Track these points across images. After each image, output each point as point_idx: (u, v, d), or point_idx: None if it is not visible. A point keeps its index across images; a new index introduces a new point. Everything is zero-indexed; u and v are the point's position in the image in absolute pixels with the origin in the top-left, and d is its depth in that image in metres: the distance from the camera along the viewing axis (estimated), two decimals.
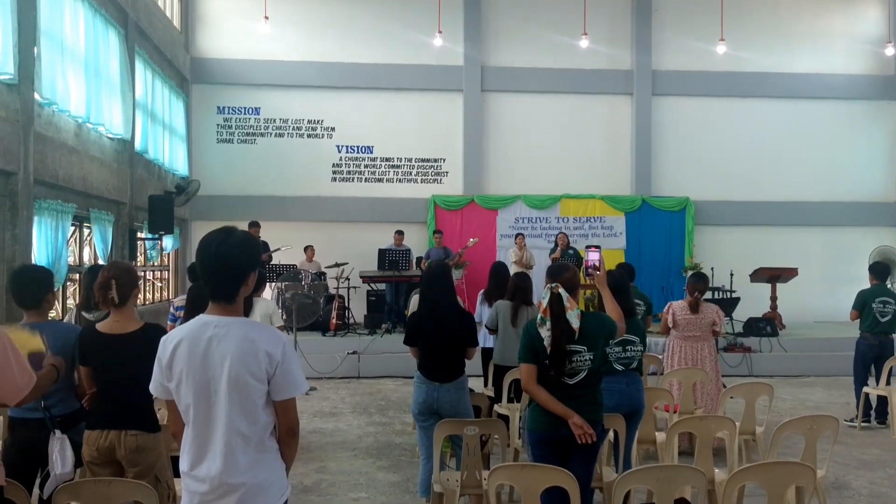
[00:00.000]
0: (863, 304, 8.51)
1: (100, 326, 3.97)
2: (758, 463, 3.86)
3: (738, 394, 6.11)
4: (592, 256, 4.58)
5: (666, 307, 7.26)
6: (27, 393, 3.14)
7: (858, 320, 8.63)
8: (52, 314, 9.64)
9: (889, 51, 15.68)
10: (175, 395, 2.77)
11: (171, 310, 6.65)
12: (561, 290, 4.16)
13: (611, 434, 5.07)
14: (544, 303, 4.19)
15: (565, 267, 4.45)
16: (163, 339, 2.82)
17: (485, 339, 7.11)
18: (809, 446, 4.72)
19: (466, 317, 5.33)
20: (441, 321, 5.14)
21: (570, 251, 13.42)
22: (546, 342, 4.10)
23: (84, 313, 5.11)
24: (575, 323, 4.09)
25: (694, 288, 7.09)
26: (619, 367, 5.20)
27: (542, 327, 4.14)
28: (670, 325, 7.12)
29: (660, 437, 5.82)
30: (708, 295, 12.65)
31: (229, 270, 2.76)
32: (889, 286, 9.31)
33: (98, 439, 3.87)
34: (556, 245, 13.74)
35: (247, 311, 7.28)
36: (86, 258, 10.98)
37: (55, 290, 4.34)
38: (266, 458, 2.77)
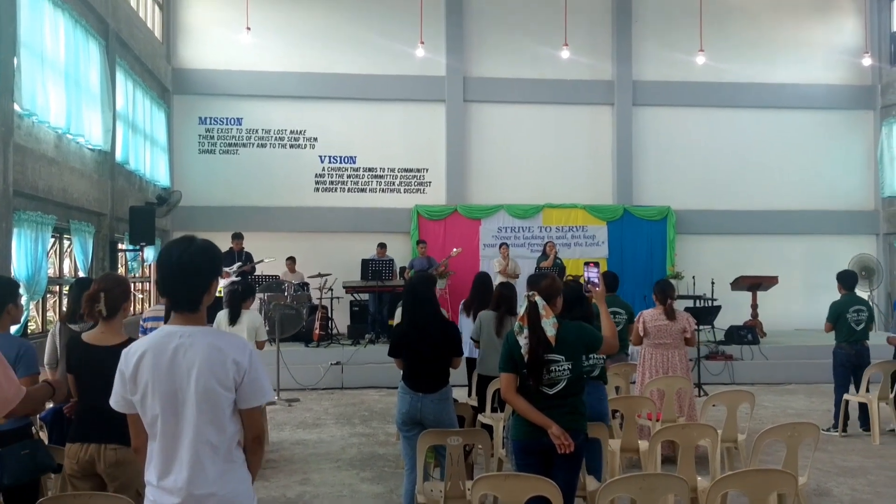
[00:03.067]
0: (837, 316, 8.59)
1: (85, 336, 3.95)
2: (740, 470, 3.88)
3: (719, 401, 6.15)
4: (591, 273, 4.61)
5: (637, 316, 7.32)
6: (16, 405, 3.08)
7: (833, 332, 8.71)
8: (32, 327, 9.55)
9: (866, 61, 15.88)
10: (140, 407, 2.73)
11: (141, 323, 6.46)
12: (537, 299, 4.19)
13: None
14: (521, 311, 4.22)
15: (544, 275, 4.49)
16: (125, 351, 2.79)
17: (470, 349, 7.12)
18: (791, 453, 4.76)
19: (450, 327, 5.33)
20: (424, 332, 5.13)
21: (558, 261, 13.47)
22: (523, 350, 4.12)
23: (70, 325, 5.08)
24: (550, 331, 4.11)
25: (665, 295, 7.16)
26: None
27: (520, 335, 4.17)
28: (641, 334, 7.17)
29: (642, 445, 5.84)
30: (689, 303, 12.81)
31: (192, 279, 2.74)
32: (866, 295, 9.40)
33: (78, 452, 3.84)
34: (545, 254, 13.77)
35: (234, 320, 7.26)
36: (66, 270, 10.89)
37: (20, 301, 4.28)
38: (234, 468, 2.75)
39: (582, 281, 5.16)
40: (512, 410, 4.29)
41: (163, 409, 2.69)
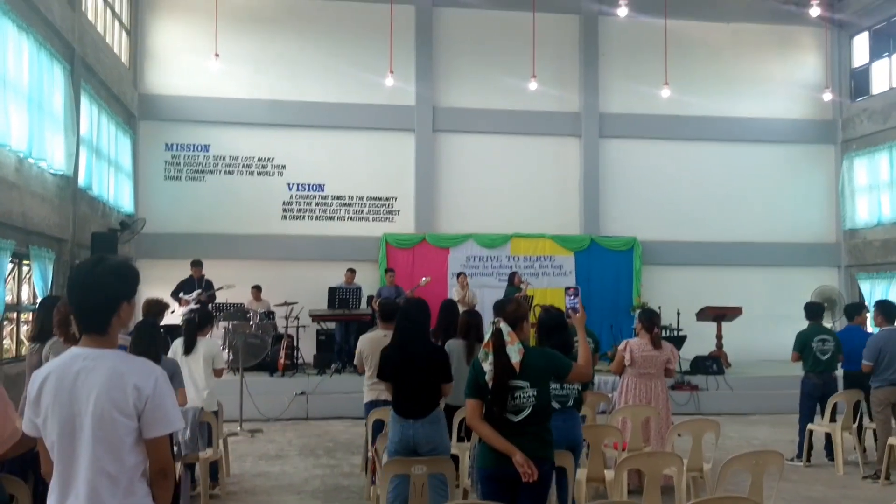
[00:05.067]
0: (803, 346, 8.66)
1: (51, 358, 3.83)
2: (707, 498, 3.85)
3: (685, 430, 6.13)
4: (571, 299, 4.58)
5: (622, 345, 7.22)
6: (7, 448, 2.94)
7: (801, 362, 8.77)
8: None
9: (826, 96, 16.26)
10: (42, 431, 2.64)
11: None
12: (502, 325, 4.17)
13: None
14: (486, 337, 4.20)
15: (509, 301, 4.48)
16: (34, 373, 2.71)
17: None
18: (756, 482, 4.75)
19: (438, 352, 5.26)
20: (413, 357, 5.06)
21: (507, 297, 13.37)
22: (488, 377, 4.09)
23: (39, 345, 4.94)
24: (515, 357, 4.09)
25: (652, 324, 7.11)
26: (556, 405, 5.10)
27: (485, 362, 4.14)
28: (627, 363, 7.06)
29: (608, 474, 5.80)
30: None
31: (100, 299, 2.65)
32: (829, 325, 9.49)
33: None
34: (514, 285, 13.65)
35: (189, 349, 7.11)
36: (24, 297, 10.65)
37: None
38: (135, 502, 2.62)
39: (530, 295, 5.15)
40: (478, 438, 4.24)
41: (60, 434, 2.60)
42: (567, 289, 4.74)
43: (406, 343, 5.13)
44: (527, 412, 4.11)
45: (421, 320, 5.22)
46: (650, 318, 7.18)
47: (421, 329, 5.19)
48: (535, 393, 4.13)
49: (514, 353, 4.13)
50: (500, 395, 4.10)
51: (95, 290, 2.65)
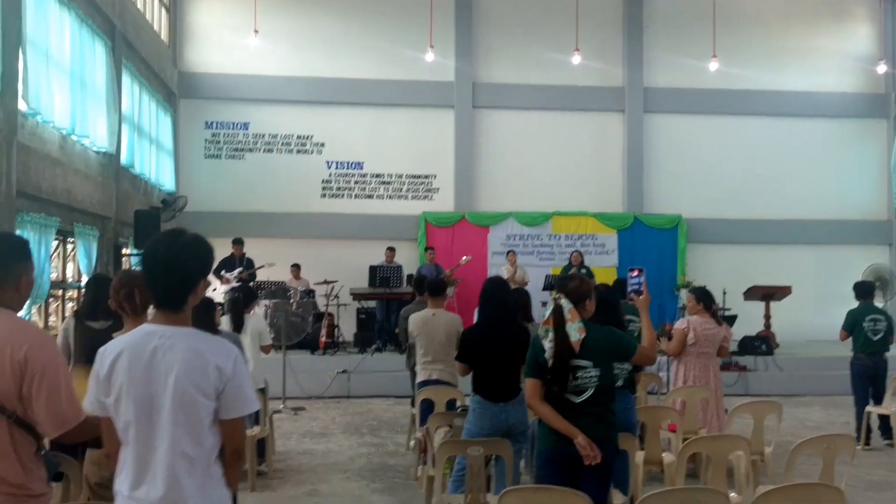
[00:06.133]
0: (853, 324, 8.36)
1: (116, 336, 3.73)
2: (784, 485, 3.66)
3: (745, 412, 5.91)
4: (634, 280, 4.39)
5: (682, 323, 6.96)
6: (71, 428, 2.82)
7: (850, 340, 8.47)
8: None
9: (880, 69, 15.67)
10: (113, 411, 2.52)
11: None
12: (563, 301, 3.99)
13: None
14: (547, 313, 4.02)
15: (572, 277, 4.29)
16: (100, 350, 2.59)
17: None
18: (827, 467, 4.55)
19: (526, 333, 5.04)
20: (505, 338, 4.89)
21: (584, 269, 13.22)
22: (547, 355, 3.92)
23: (89, 322, 4.88)
24: (574, 336, 3.91)
25: (710, 301, 6.90)
26: None
27: (545, 339, 3.96)
28: (690, 342, 6.80)
29: (666, 458, 5.62)
30: None
31: (177, 275, 2.54)
32: (881, 305, 9.16)
33: (101, 457, 3.60)
34: (570, 264, 13.56)
35: (238, 327, 7.05)
36: (69, 274, 10.70)
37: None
38: (212, 484, 2.53)
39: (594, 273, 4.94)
40: (538, 419, 4.08)
41: (136, 414, 2.48)
42: (630, 269, 4.53)
43: (497, 325, 4.96)
44: (589, 393, 3.94)
45: (509, 300, 5.06)
46: (708, 295, 6.96)
47: (511, 309, 5.03)
48: (599, 373, 3.94)
49: (574, 332, 3.95)
50: (560, 375, 3.93)
51: (175, 266, 2.54)
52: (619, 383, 5.14)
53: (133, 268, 10.73)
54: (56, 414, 2.76)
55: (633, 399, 5.53)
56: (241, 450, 2.61)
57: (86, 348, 3.74)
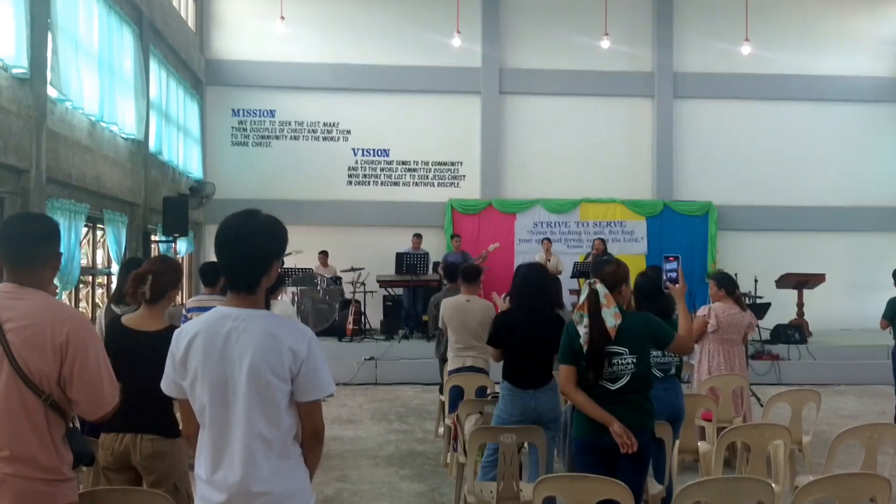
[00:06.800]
0: (893, 313, 8.17)
1: (125, 320, 3.72)
2: (830, 475, 3.56)
3: (783, 401, 5.78)
4: (670, 267, 4.28)
5: (703, 310, 6.82)
6: (110, 409, 2.82)
7: (890, 329, 8.29)
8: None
9: None
10: (189, 394, 2.50)
11: (184, 312, 6.35)
12: (599, 286, 3.90)
13: None
14: (582, 298, 3.93)
15: (608, 261, 4.20)
16: (176, 332, 2.56)
17: None
18: (869, 457, 4.44)
19: (561, 320, 4.91)
20: (541, 323, 4.80)
21: (606, 258, 13.05)
22: (582, 341, 3.84)
23: (113, 306, 4.91)
24: (610, 322, 3.82)
25: (733, 286, 6.75)
26: (658, 374, 4.86)
27: (580, 325, 3.88)
28: (711, 330, 6.65)
29: (702, 446, 5.51)
30: None
31: (251, 257, 2.49)
32: None
33: (113, 443, 3.61)
34: (593, 251, 13.39)
35: None
36: (99, 260, 10.75)
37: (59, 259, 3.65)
38: (290, 465, 2.51)
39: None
40: (573, 407, 4.00)
41: (211, 397, 2.45)
42: (666, 257, 4.39)
43: (533, 309, 4.86)
44: (625, 380, 3.85)
45: (547, 285, 4.98)
46: (731, 281, 6.81)
47: (549, 294, 4.95)
48: (635, 360, 3.85)
49: (610, 317, 3.86)
50: (595, 362, 3.85)
51: (248, 248, 2.49)
52: (671, 371, 5.05)
53: (165, 254, 10.76)
54: (96, 397, 2.75)
55: (682, 386, 5.41)
56: (320, 432, 2.59)
57: (107, 332, 3.73)
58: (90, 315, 10.35)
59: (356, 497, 6.04)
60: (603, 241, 13.60)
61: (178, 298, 13.98)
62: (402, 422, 8.84)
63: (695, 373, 6.96)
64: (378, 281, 13.06)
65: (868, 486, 3.41)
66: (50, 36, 8.24)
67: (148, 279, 3.65)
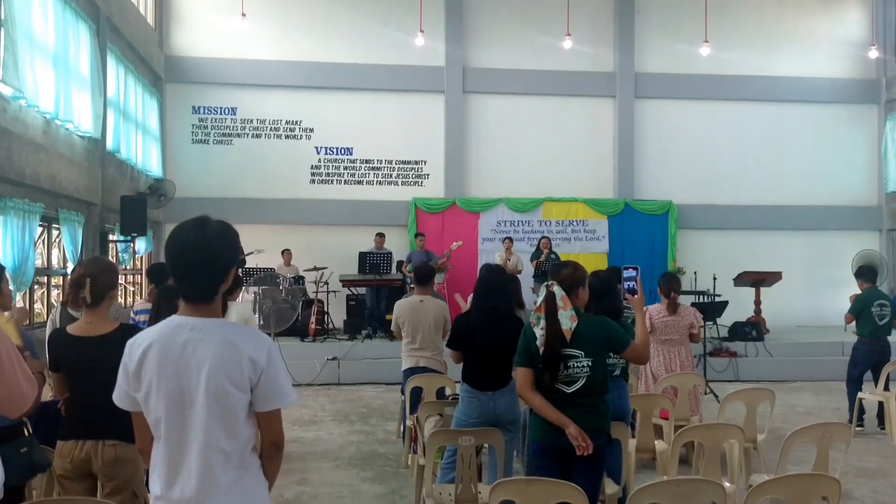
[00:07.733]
0: (861, 309, 8.35)
1: (70, 329, 3.64)
2: (781, 476, 3.62)
3: (737, 399, 5.87)
4: (629, 276, 4.30)
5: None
6: (30, 406, 2.73)
7: (854, 324, 8.48)
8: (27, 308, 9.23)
9: (872, 54, 15.60)
10: (143, 406, 2.43)
11: (131, 315, 6.20)
12: (556, 288, 3.91)
13: None
14: (539, 300, 3.95)
15: (565, 264, 4.21)
16: (129, 342, 2.48)
17: None
18: (821, 455, 4.52)
19: (519, 322, 4.93)
20: (499, 325, 4.81)
21: (553, 255, 13.15)
22: (539, 343, 3.85)
23: (70, 311, 4.80)
24: (566, 324, 3.83)
25: (669, 288, 6.86)
26: None
27: (537, 327, 3.89)
28: (647, 330, 6.75)
29: (658, 445, 5.58)
30: (694, 299, 12.56)
31: (207, 266, 2.42)
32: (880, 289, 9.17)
33: (73, 450, 3.53)
34: (539, 250, 13.44)
35: (222, 315, 6.92)
36: (55, 260, 10.56)
37: (6, 287, 3.91)
38: (248, 477, 2.46)
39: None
40: (530, 409, 4.01)
41: (168, 410, 2.39)
42: (625, 267, 4.42)
43: (493, 311, 4.87)
44: (580, 383, 3.86)
45: (506, 287, 4.97)
46: (668, 282, 6.93)
47: (508, 296, 4.94)
48: (590, 363, 3.87)
49: (566, 320, 3.87)
50: (551, 364, 3.86)
51: (205, 257, 2.42)
52: (616, 372, 5.09)
53: (97, 255, 10.54)
54: (14, 393, 2.64)
55: (627, 387, 5.47)
56: (280, 441, 2.54)
57: (54, 345, 3.65)
58: (44, 316, 10.16)
59: (316, 500, 6.01)
60: (549, 240, 13.62)
61: (131, 300, 13.77)
62: (365, 423, 8.82)
63: (641, 375, 7.07)
64: (341, 280, 13.01)
65: (819, 486, 3.48)
66: (3, 31, 8.07)
67: (86, 283, 3.57)
